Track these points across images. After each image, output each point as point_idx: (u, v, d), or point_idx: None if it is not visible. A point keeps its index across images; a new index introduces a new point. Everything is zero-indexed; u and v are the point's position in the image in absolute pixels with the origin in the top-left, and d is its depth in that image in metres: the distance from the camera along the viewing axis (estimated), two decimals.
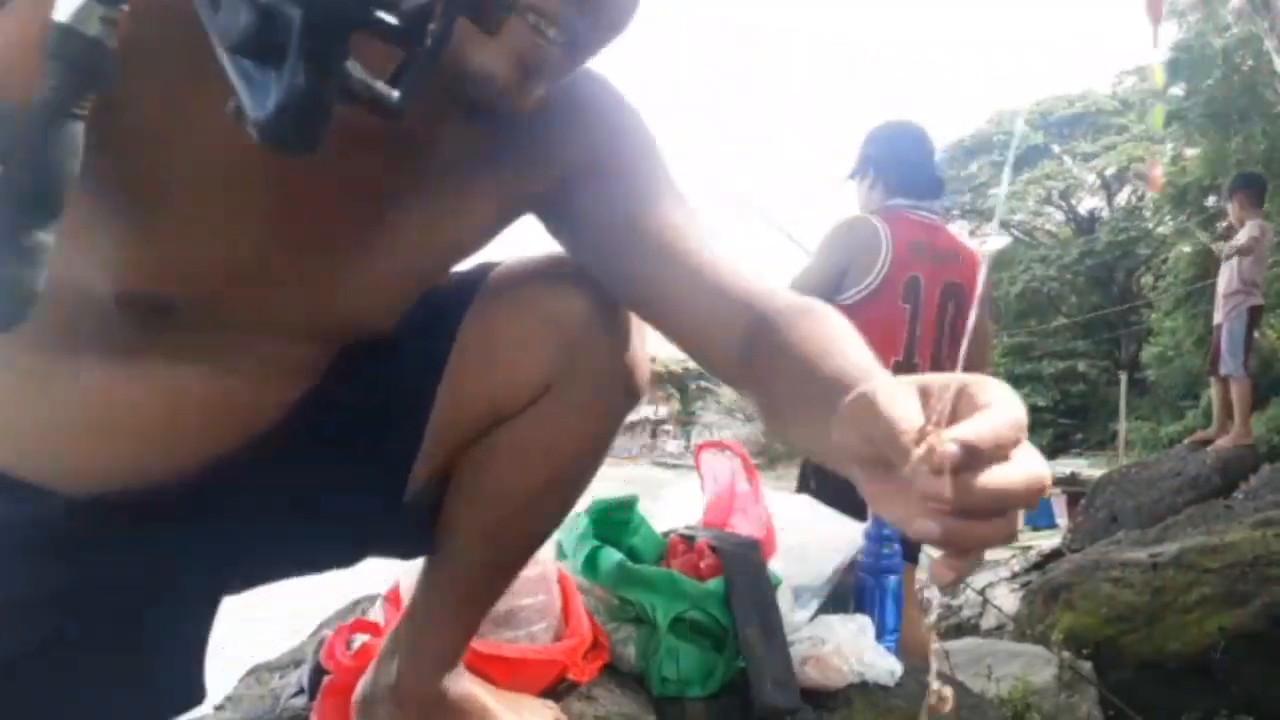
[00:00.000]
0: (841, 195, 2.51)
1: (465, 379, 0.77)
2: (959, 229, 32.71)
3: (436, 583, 0.86)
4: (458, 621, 0.88)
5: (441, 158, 0.68)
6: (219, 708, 1.19)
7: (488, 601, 0.90)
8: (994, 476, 0.42)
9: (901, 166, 2.33)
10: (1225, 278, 4.75)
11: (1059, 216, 35.73)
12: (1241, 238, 4.62)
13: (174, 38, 0.53)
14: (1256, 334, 4.99)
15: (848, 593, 1.38)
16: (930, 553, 0.47)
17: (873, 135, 2.41)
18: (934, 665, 0.53)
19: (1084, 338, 29.27)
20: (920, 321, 2.21)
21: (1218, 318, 4.79)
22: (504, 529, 0.83)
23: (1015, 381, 30.48)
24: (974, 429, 0.42)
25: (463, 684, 0.90)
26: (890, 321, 2.19)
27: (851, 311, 2.19)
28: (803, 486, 2.15)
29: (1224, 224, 5.20)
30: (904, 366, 2.19)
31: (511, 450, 0.80)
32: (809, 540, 1.38)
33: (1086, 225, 33.46)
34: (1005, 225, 35.28)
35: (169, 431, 0.68)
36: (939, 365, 2.24)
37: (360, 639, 1.04)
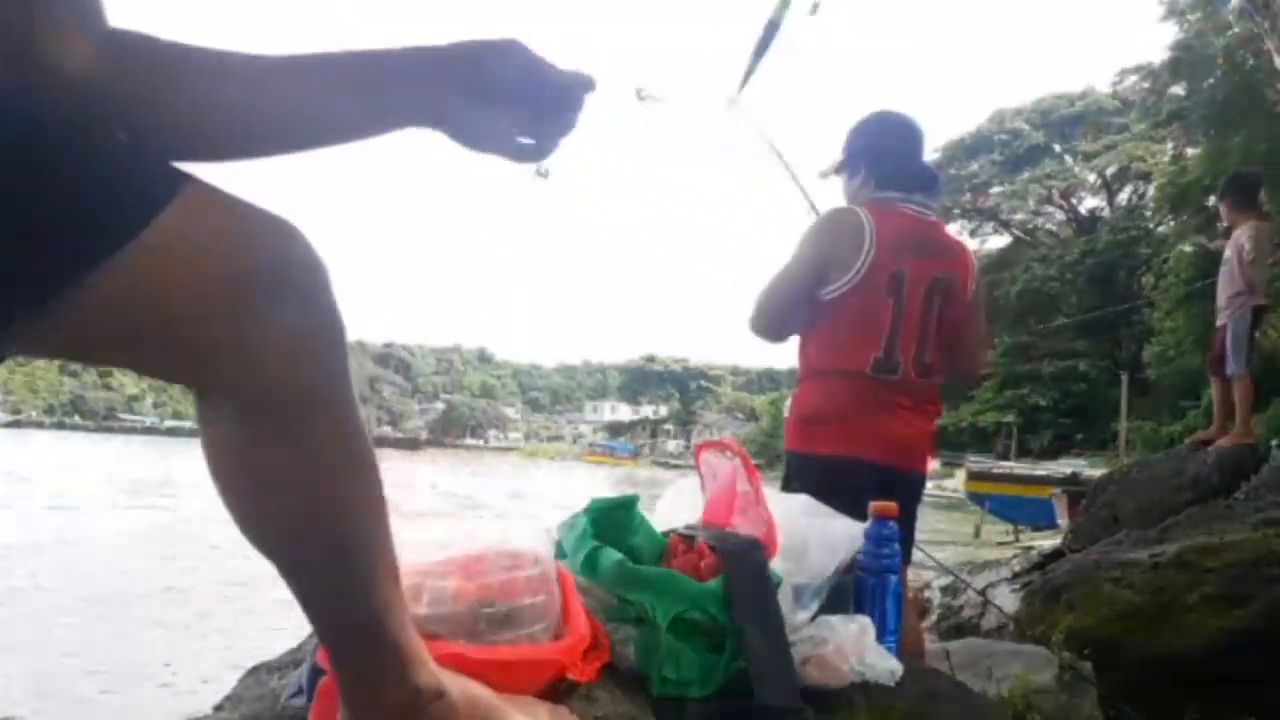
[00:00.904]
0: (829, 190, 2.47)
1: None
2: (958, 227, 32.66)
3: (306, 600, 0.77)
4: (361, 623, 0.78)
5: None
6: (218, 708, 1.18)
7: (367, 597, 0.77)
8: None
9: (889, 159, 2.25)
10: (1226, 279, 4.75)
11: (1060, 216, 35.74)
12: (1245, 242, 4.62)
13: None
14: (1258, 334, 5.00)
15: (848, 593, 1.38)
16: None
17: (858, 127, 2.33)
18: None
19: (1084, 338, 29.27)
20: (903, 317, 2.13)
21: (1221, 319, 4.79)
22: (297, 515, 0.73)
23: (1015, 381, 30.52)
24: None
25: (461, 683, 0.89)
26: (872, 316, 2.12)
27: (834, 305, 2.13)
28: (786, 487, 2.13)
29: (1224, 225, 5.20)
30: (883, 363, 2.13)
31: (231, 411, 0.69)
32: (809, 540, 1.38)
33: (1087, 225, 33.46)
34: (1006, 225, 35.30)
35: None
36: (922, 361, 2.17)
37: None
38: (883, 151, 2.27)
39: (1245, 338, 4.63)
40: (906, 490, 2.16)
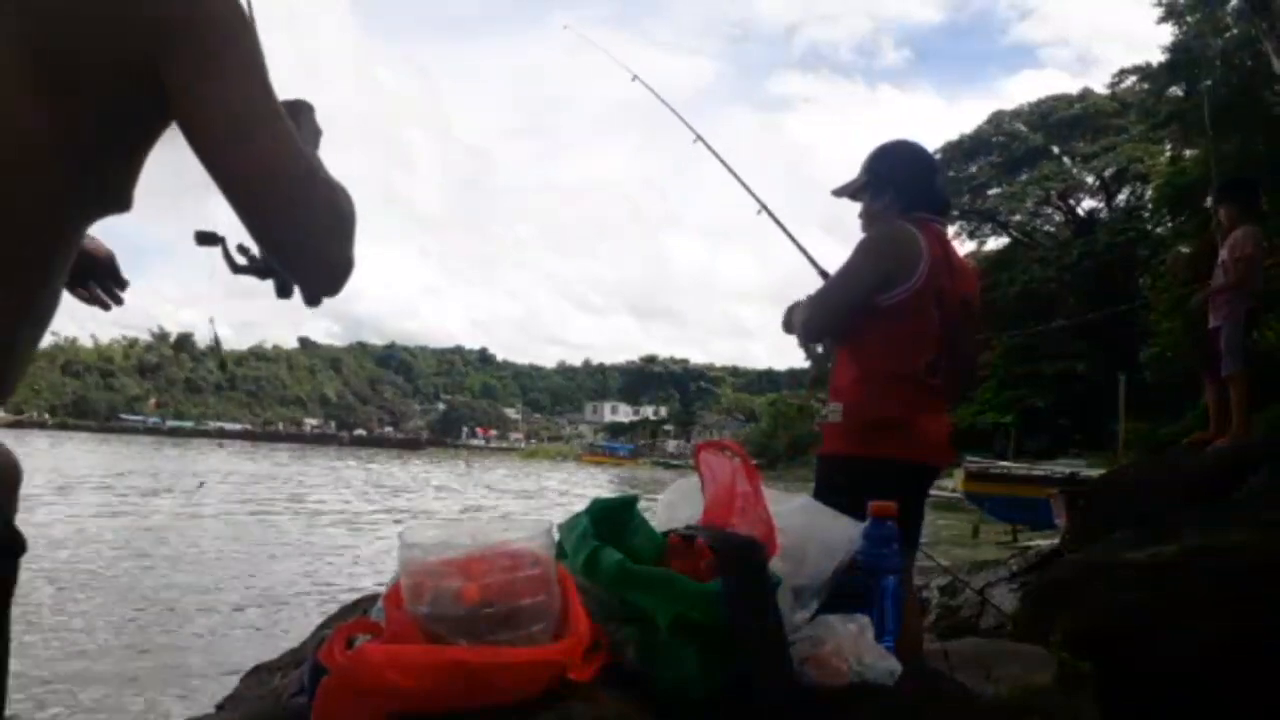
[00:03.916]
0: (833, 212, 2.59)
1: None
2: (957, 229, 32.67)
3: None
4: None
5: None
6: (220, 707, 1.19)
7: None
8: None
9: (914, 182, 2.39)
10: (1218, 282, 4.77)
11: (1058, 217, 35.75)
12: (1240, 245, 4.63)
13: None
14: (1255, 335, 5.01)
15: (847, 593, 1.38)
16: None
17: (884, 154, 2.45)
18: None
19: (1083, 338, 29.24)
20: (945, 327, 2.29)
21: (1214, 320, 4.80)
22: None
23: (1014, 382, 30.42)
24: None
25: None
26: (923, 323, 2.27)
27: (890, 310, 2.26)
28: (834, 494, 2.16)
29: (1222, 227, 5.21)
30: (933, 367, 2.28)
31: None
32: (809, 540, 1.38)
33: (1086, 226, 33.44)
34: (1004, 226, 35.32)
35: None
36: (946, 367, 2.33)
37: (361, 639, 1.04)
38: (910, 175, 2.40)
39: (1239, 338, 4.64)
40: (928, 486, 2.38)
